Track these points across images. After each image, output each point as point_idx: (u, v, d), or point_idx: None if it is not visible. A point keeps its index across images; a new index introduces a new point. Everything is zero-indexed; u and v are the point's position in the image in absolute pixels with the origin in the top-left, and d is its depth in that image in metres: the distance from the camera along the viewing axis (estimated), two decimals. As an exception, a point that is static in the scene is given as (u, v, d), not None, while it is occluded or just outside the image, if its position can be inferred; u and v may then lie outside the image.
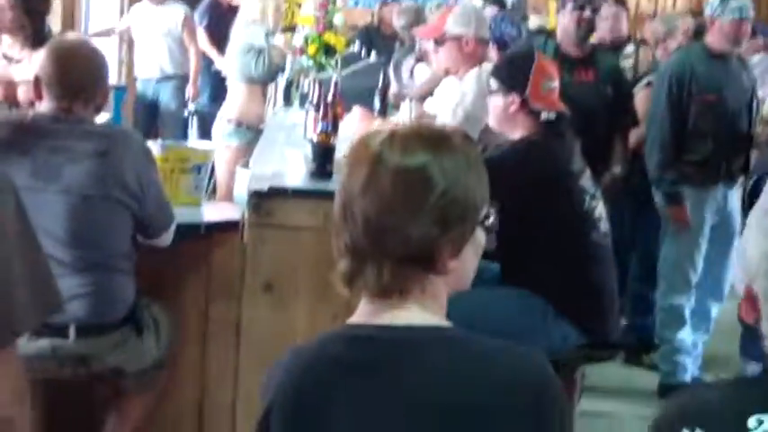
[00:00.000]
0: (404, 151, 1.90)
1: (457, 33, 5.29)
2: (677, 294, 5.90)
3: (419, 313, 1.91)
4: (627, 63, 6.82)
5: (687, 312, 5.92)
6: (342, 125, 4.93)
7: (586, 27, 5.69)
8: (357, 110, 5.34)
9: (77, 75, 3.71)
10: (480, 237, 1.99)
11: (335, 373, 1.90)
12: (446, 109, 5.17)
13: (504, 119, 4.25)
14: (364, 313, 1.94)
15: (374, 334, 1.90)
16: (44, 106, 3.73)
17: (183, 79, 9.53)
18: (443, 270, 1.91)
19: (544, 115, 4.18)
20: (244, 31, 7.21)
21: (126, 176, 3.66)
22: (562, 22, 5.77)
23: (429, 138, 1.94)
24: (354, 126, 5.20)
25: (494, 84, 4.27)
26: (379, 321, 1.91)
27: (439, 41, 5.50)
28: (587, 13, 5.65)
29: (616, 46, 6.94)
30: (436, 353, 1.87)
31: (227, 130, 7.15)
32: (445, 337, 1.91)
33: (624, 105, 5.80)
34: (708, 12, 5.80)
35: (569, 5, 5.68)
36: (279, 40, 7.44)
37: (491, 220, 1.99)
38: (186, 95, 9.53)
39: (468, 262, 1.98)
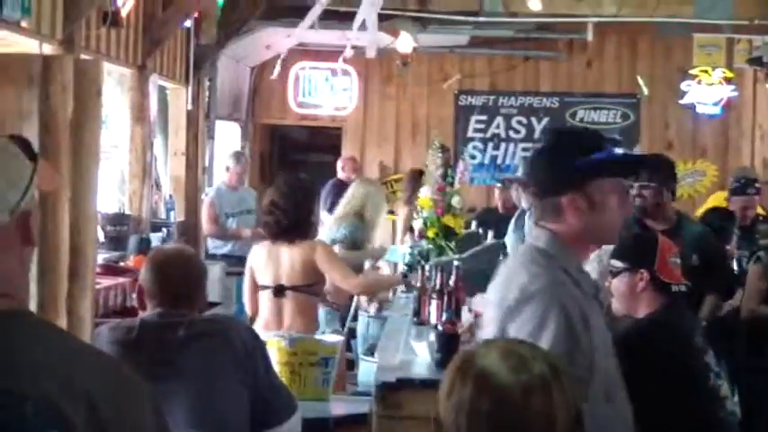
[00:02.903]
0: (506, 373, 1.95)
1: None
2: None
3: None
4: (765, 241, 6.83)
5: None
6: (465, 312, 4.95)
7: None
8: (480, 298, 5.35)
9: (175, 283, 3.80)
10: None
11: None
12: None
13: (631, 297, 4.23)
14: None
15: None
16: (148, 313, 3.83)
17: None
18: None
19: (675, 288, 4.16)
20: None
21: (237, 352, 3.72)
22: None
23: (526, 359, 1.99)
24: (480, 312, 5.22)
25: (618, 264, 4.26)
26: None
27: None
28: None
29: (749, 226, 7.00)
30: None
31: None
32: None
33: (709, 271, 5.80)
34: None
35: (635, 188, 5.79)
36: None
37: None
38: None
39: None
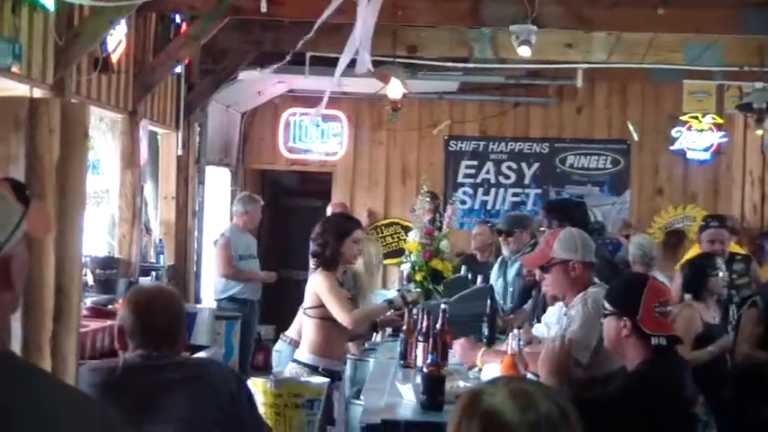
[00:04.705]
0: (512, 412, 1.93)
1: (564, 258, 5.28)
2: None
3: None
4: (742, 281, 6.82)
5: None
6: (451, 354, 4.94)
7: None
8: (462, 341, 5.36)
9: (158, 323, 3.79)
10: None
11: None
12: (554, 335, 5.14)
13: (616, 342, 4.20)
14: None
15: None
16: (130, 355, 3.81)
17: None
18: None
19: (654, 341, 4.11)
20: None
21: (221, 398, 3.70)
22: None
23: (533, 398, 1.97)
24: (460, 357, 5.22)
25: (608, 307, 4.23)
26: None
27: (545, 268, 5.49)
28: None
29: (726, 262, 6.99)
30: None
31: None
32: None
33: None
34: None
35: None
36: None
37: None
38: None
39: None
